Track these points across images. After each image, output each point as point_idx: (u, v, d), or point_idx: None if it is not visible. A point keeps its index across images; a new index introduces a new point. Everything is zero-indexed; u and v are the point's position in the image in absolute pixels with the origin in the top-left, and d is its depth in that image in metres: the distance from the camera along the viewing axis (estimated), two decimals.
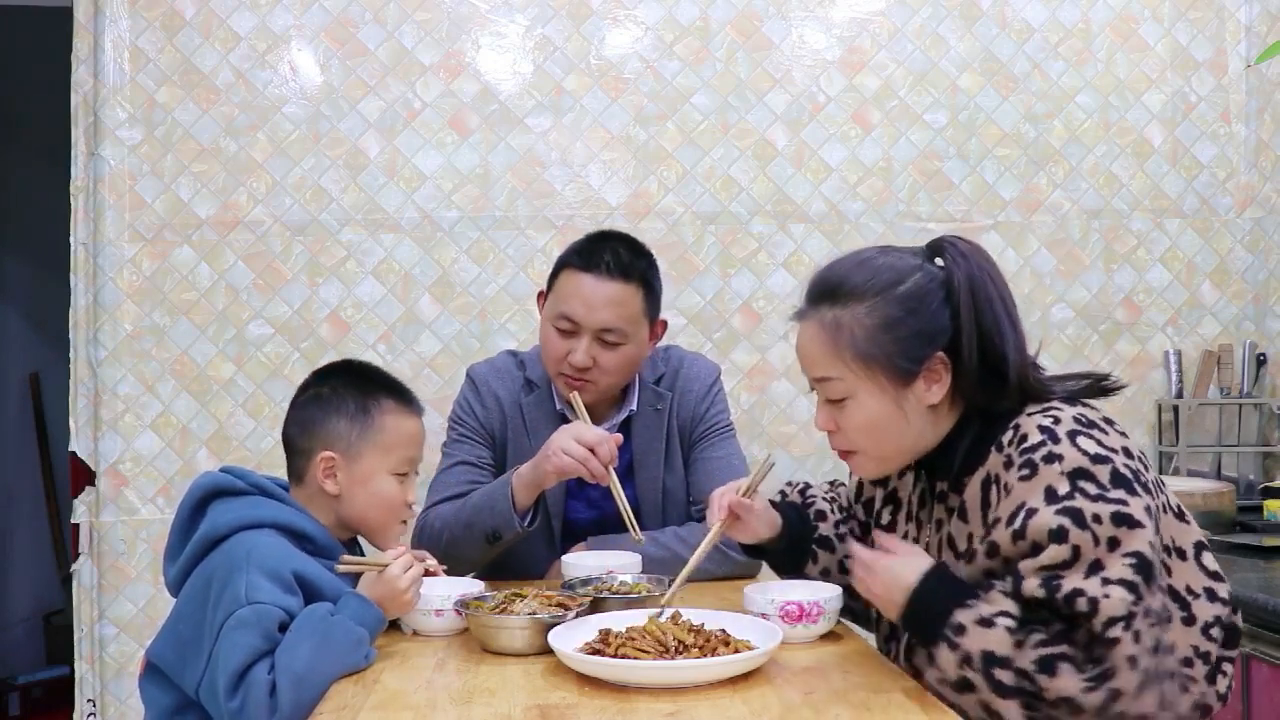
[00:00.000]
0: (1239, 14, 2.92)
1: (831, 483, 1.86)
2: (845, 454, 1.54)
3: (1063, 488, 1.32)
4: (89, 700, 2.60)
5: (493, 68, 2.77)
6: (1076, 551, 1.29)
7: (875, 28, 2.85)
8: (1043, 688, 1.26)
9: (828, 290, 1.48)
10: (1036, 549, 1.31)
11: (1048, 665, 1.26)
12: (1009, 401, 1.45)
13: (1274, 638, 1.94)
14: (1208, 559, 1.44)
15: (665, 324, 2.18)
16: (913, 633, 1.42)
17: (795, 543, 1.73)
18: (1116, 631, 1.24)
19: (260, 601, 1.48)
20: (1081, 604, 1.26)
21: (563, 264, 2.09)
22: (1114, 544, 1.28)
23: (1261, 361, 2.83)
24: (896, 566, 1.43)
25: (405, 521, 1.78)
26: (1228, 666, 1.42)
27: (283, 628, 1.49)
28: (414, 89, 2.75)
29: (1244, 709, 1.99)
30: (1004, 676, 1.27)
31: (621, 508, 1.93)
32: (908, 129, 2.84)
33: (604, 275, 2.03)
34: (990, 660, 1.28)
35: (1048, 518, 1.31)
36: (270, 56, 2.73)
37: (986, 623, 1.30)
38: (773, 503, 1.75)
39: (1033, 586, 1.29)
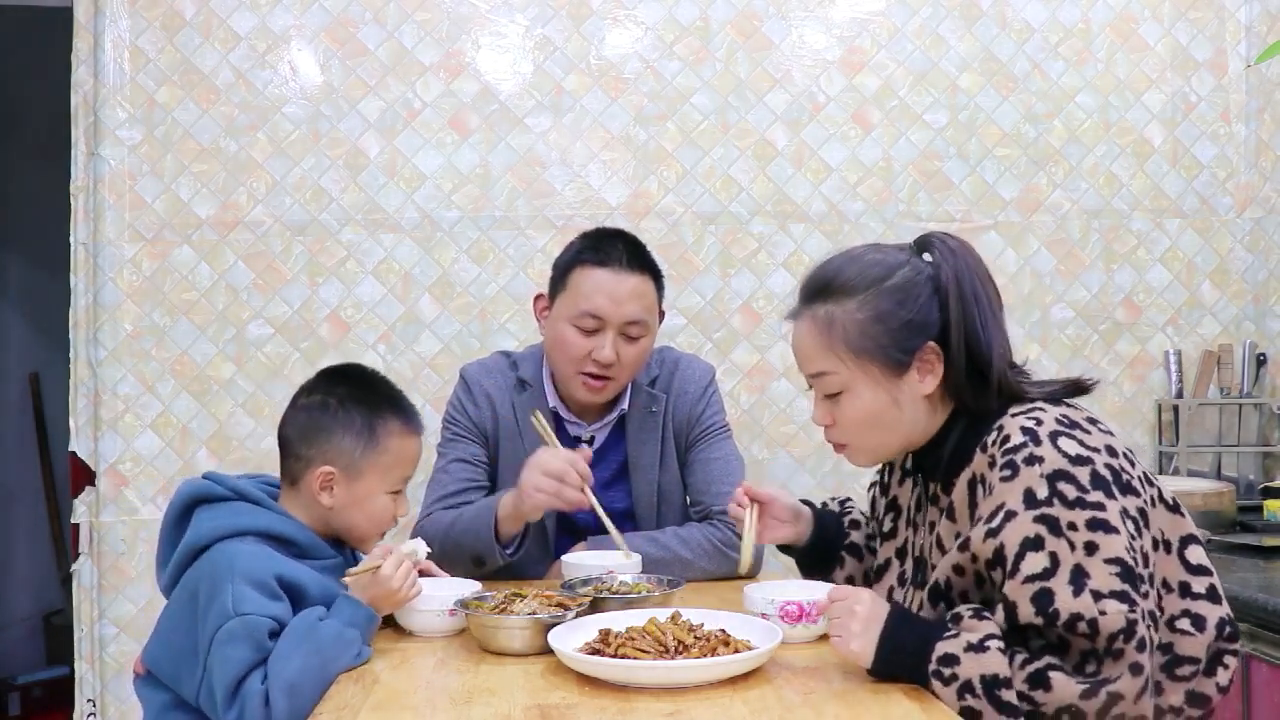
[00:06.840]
0: (1239, 14, 2.92)
1: (843, 501, 1.88)
2: (839, 447, 1.56)
3: (1042, 491, 1.33)
4: (89, 700, 2.60)
5: (493, 68, 2.77)
6: (1055, 559, 1.30)
7: (875, 28, 2.84)
8: (1040, 702, 1.27)
9: (820, 287, 1.51)
10: (1017, 560, 1.31)
11: (1039, 680, 1.28)
12: (992, 402, 1.46)
13: (1274, 638, 1.93)
14: (1193, 553, 1.44)
15: (664, 314, 2.18)
16: (894, 679, 1.37)
17: (825, 542, 1.76)
18: (1119, 644, 1.27)
19: (247, 613, 1.49)
20: (1082, 627, 1.27)
21: (573, 263, 2.08)
22: (1091, 548, 1.30)
23: (1261, 361, 2.83)
24: (860, 621, 1.37)
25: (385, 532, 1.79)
26: (1230, 660, 1.42)
27: (273, 635, 1.50)
28: (414, 89, 2.75)
29: (1244, 709, 1.99)
30: (1008, 696, 1.28)
31: (605, 521, 1.90)
32: (908, 129, 2.84)
33: (623, 269, 2.04)
34: (993, 683, 1.28)
35: (1025, 525, 1.32)
36: (270, 56, 2.73)
37: (979, 648, 1.31)
38: (807, 503, 1.78)
39: (1028, 614, 1.30)
